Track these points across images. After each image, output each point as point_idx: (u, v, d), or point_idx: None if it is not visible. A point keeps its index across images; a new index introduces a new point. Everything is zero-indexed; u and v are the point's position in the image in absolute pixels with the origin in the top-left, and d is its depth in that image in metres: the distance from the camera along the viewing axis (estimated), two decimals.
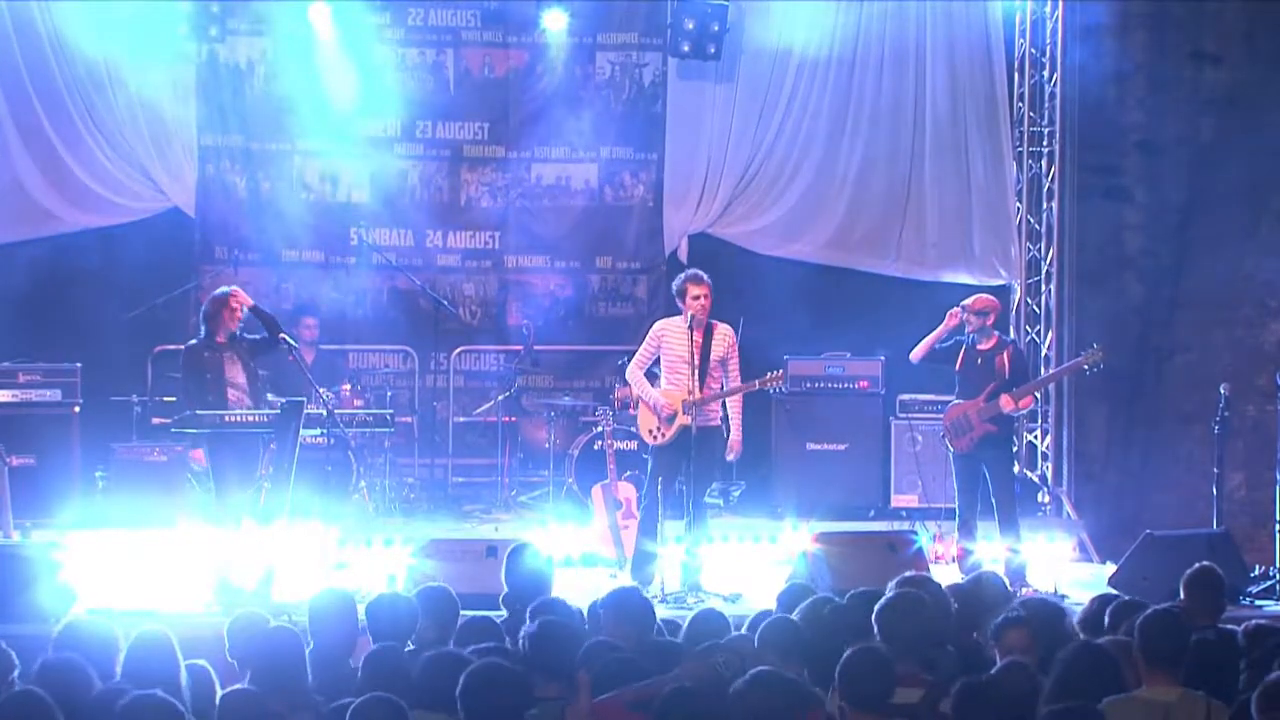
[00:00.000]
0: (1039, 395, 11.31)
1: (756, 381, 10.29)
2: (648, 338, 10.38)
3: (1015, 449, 11.21)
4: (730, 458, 10.54)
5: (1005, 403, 10.44)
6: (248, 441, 10.03)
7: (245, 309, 10.25)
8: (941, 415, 10.87)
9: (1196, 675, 5.80)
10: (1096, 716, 5.07)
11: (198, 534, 10.18)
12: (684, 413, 9.98)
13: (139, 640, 5.93)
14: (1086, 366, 10.74)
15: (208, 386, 10.06)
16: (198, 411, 9.88)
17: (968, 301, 10.74)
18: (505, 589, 7.42)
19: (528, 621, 6.08)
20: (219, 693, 5.87)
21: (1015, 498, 10.85)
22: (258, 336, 10.39)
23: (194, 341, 10.29)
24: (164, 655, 5.86)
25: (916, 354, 10.79)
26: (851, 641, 5.63)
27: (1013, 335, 14.00)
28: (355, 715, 5.06)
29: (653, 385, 10.28)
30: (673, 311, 10.51)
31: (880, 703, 5.35)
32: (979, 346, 10.62)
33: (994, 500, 10.50)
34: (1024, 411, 11.21)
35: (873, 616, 5.97)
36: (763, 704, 4.95)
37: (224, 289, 10.39)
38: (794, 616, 6.25)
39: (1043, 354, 13.59)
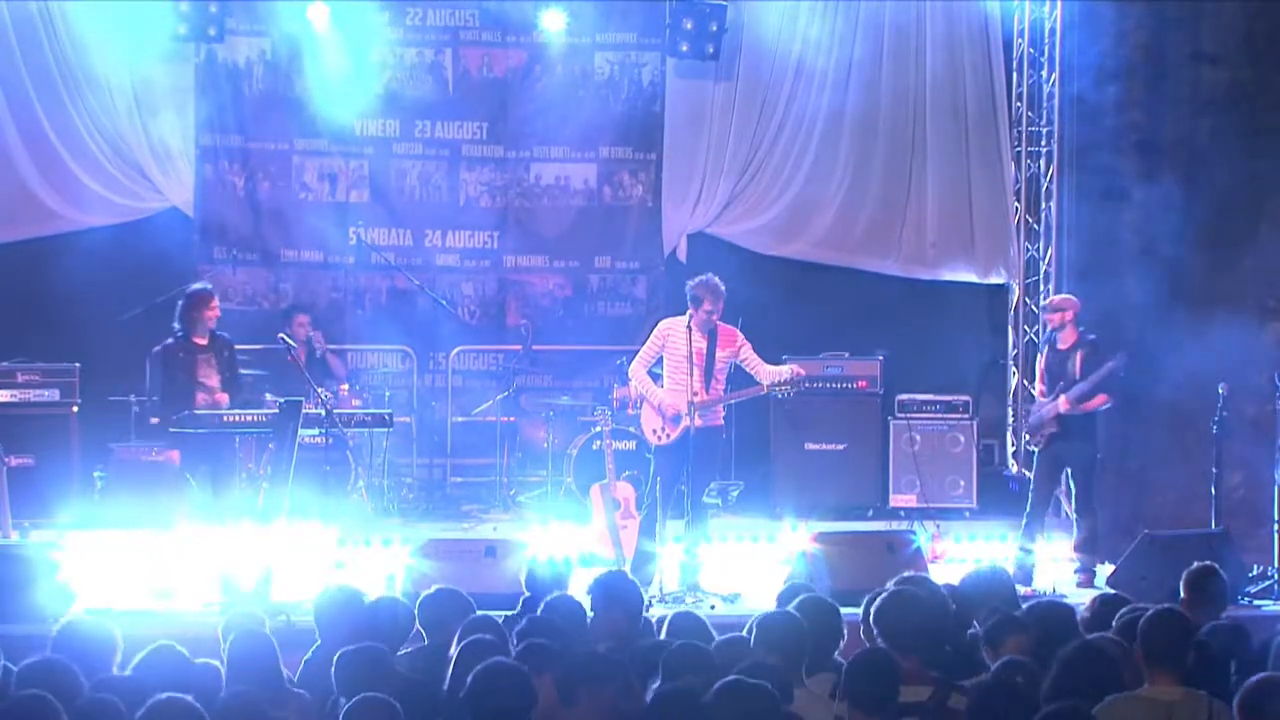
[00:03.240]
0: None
1: (764, 385, 10.29)
2: (652, 336, 10.37)
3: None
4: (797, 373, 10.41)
5: (1062, 403, 10.57)
6: (221, 444, 9.98)
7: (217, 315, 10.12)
8: (940, 415, 10.88)
9: (1196, 674, 5.80)
10: (1086, 718, 5.07)
11: (197, 534, 10.17)
12: (688, 414, 9.98)
13: (152, 654, 5.83)
14: (1120, 371, 10.75)
15: (178, 387, 9.96)
16: (195, 412, 9.86)
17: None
18: (526, 593, 7.43)
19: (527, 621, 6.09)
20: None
21: (1088, 496, 10.93)
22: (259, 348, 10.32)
23: (169, 341, 10.16)
24: (175, 668, 5.79)
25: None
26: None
27: (1010, 335, 14.05)
28: (349, 716, 5.06)
29: (654, 384, 10.29)
30: (672, 310, 10.48)
31: (885, 704, 5.35)
32: (1059, 346, 10.87)
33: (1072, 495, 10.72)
34: (1096, 410, 10.91)
35: (870, 615, 5.97)
36: (736, 712, 4.94)
37: (202, 285, 10.26)
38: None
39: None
